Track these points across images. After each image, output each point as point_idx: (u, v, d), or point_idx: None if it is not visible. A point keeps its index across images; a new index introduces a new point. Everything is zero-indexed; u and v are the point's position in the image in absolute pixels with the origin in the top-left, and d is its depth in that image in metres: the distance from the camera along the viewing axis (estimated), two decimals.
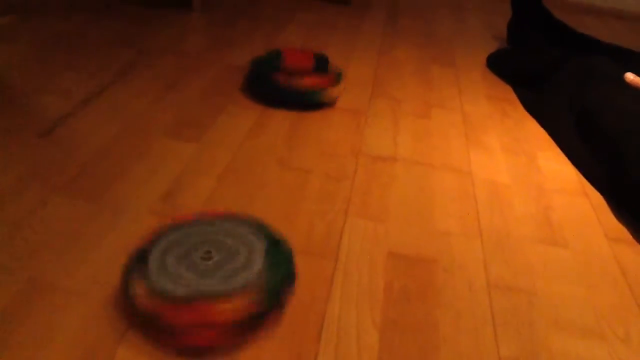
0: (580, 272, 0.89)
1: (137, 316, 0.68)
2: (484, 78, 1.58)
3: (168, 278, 0.69)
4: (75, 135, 1.07)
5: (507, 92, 1.50)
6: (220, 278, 0.69)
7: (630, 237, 0.99)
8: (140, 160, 1.02)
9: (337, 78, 1.29)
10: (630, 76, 1.35)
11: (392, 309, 0.77)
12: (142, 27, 1.61)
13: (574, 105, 1.32)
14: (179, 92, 1.27)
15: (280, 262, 0.73)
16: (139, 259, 0.72)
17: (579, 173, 1.17)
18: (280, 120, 1.21)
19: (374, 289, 0.80)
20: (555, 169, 1.17)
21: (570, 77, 1.42)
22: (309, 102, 1.25)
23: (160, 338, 0.68)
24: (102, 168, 0.98)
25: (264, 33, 1.68)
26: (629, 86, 1.33)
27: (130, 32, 1.57)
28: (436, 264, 0.86)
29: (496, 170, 1.13)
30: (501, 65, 1.64)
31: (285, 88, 1.23)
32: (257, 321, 0.68)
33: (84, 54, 1.40)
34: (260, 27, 1.73)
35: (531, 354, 0.73)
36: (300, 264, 0.83)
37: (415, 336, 0.73)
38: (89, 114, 1.14)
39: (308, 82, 1.24)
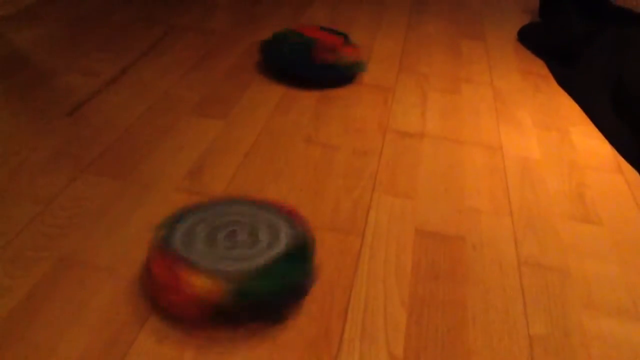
0: (614, 250, 0.86)
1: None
2: (516, 52, 1.54)
3: (184, 238, 0.70)
4: (103, 114, 1.07)
5: (540, 67, 1.46)
6: (222, 258, 0.68)
7: None
8: (166, 137, 1.02)
9: (354, 48, 1.28)
10: None
11: (420, 287, 0.76)
12: (168, 6, 1.60)
13: (609, 78, 1.28)
14: (205, 70, 1.27)
15: (291, 269, 0.70)
16: (175, 220, 0.74)
17: (613, 149, 1.13)
18: (307, 96, 1.20)
19: (402, 266, 0.79)
20: (589, 144, 1.14)
21: (605, 49, 1.38)
22: (352, 74, 1.25)
23: (151, 289, 0.71)
24: (129, 146, 0.99)
25: (289, 9, 1.66)
26: None
27: (157, 10, 1.56)
28: (465, 242, 0.85)
29: (527, 146, 1.10)
30: (533, 39, 1.59)
31: (329, 64, 1.22)
32: (222, 313, 0.67)
33: (111, 33, 1.40)
34: (286, 3, 1.71)
35: (562, 333, 0.72)
36: (327, 240, 0.82)
37: (444, 314, 0.72)
38: (116, 92, 1.15)
39: (347, 54, 1.23)
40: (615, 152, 1.12)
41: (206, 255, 0.68)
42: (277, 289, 0.67)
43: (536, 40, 1.58)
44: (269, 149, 1.01)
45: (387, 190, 0.94)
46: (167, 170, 0.93)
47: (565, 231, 0.89)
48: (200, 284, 0.65)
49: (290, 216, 0.76)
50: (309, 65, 1.22)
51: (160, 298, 0.68)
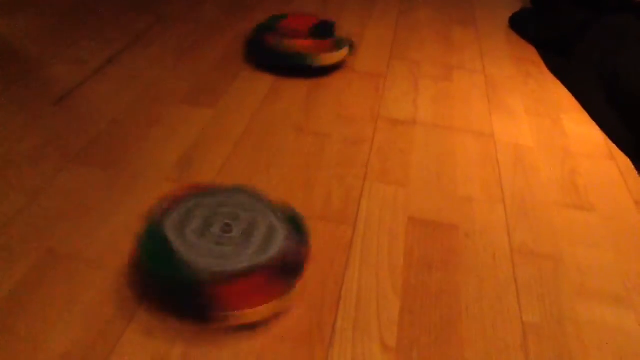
0: (607, 238, 0.86)
1: (186, 301, 0.66)
2: (507, 39, 1.53)
3: (205, 256, 0.66)
4: (91, 103, 1.05)
5: (531, 53, 1.46)
6: (257, 248, 0.68)
7: None
8: (155, 126, 1.00)
9: (337, 45, 1.24)
10: None
11: (413, 275, 0.75)
12: None
13: (603, 68, 1.27)
14: (194, 59, 1.25)
15: (296, 227, 0.73)
16: (155, 240, 0.69)
17: (605, 136, 1.13)
18: (297, 85, 1.18)
19: (394, 255, 0.78)
20: (581, 131, 1.13)
21: (599, 39, 1.37)
22: (293, 65, 1.22)
23: (208, 317, 0.66)
24: (118, 135, 0.97)
25: None
26: None
27: None
28: (458, 230, 0.84)
29: (520, 133, 1.10)
30: (525, 26, 1.58)
31: (272, 49, 1.21)
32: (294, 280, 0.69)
33: (99, 21, 1.38)
34: None
35: (556, 321, 0.71)
36: (318, 229, 0.81)
37: (437, 303, 0.72)
38: (104, 81, 1.13)
39: (298, 44, 1.21)
40: (607, 139, 1.12)
41: (249, 253, 0.68)
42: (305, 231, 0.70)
43: (528, 27, 1.57)
44: (259, 138, 1.00)
45: (379, 179, 0.93)
46: (156, 160, 0.92)
47: (558, 219, 0.89)
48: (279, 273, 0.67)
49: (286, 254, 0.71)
50: (259, 48, 1.23)
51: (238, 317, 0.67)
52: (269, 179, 0.90)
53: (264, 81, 1.18)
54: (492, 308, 0.72)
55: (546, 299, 0.74)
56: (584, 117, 1.19)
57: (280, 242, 0.69)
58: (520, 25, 1.60)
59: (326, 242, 0.79)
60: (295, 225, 0.73)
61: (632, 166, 1.04)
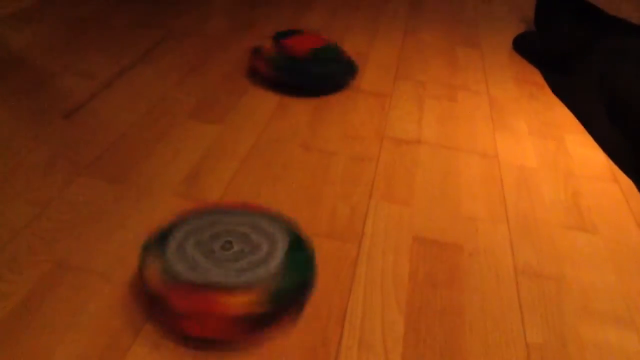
0: (610, 259, 0.87)
1: (146, 294, 0.68)
2: (511, 61, 1.55)
3: (183, 261, 0.68)
4: (100, 117, 1.07)
5: (535, 75, 1.47)
6: (234, 271, 0.68)
7: None
8: (163, 141, 1.01)
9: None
10: None
11: (418, 294, 0.76)
12: (166, 9, 1.60)
13: (605, 85, 1.29)
14: (202, 74, 1.26)
15: (299, 266, 0.70)
16: (160, 238, 0.72)
17: (608, 158, 1.14)
18: (304, 102, 1.20)
19: (399, 273, 0.79)
20: (585, 153, 1.14)
21: (601, 57, 1.38)
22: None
23: (164, 320, 0.68)
24: (126, 149, 0.98)
25: (287, 14, 1.67)
26: None
27: (154, 13, 1.56)
28: (462, 249, 0.85)
29: (523, 155, 1.11)
30: (528, 47, 1.60)
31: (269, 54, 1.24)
32: (262, 321, 0.65)
33: (108, 35, 1.40)
34: (284, 8, 1.72)
35: (559, 341, 0.72)
36: (324, 247, 0.82)
37: (441, 321, 0.72)
38: (113, 95, 1.14)
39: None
40: (610, 161, 1.13)
41: (218, 272, 0.67)
42: (301, 281, 0.68)
43: (531, 49, 1.59)
44: (266, 155, 1.01)
45: (384, 197, 0.94)
46: (163, 175, 0.93)
47: (561, 240, 0.89)
48: (236, 302, 0.64)
49: (283, 221, 0.76)
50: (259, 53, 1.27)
51: (188, 327, 0.65)
52: (275, 195, 0.91)
53: (271, 98, 1.20)
54: (496, 327, 0.73)
55: (549, 320, 0.75)
56: (587, 138, 1.20)
57: (259, 274, 0.67)
58: (524, 47, 1.61)
59: (331, 260, 0.80)
60: (300, 267, 0.71)
61: (635, 188, 1.05)
